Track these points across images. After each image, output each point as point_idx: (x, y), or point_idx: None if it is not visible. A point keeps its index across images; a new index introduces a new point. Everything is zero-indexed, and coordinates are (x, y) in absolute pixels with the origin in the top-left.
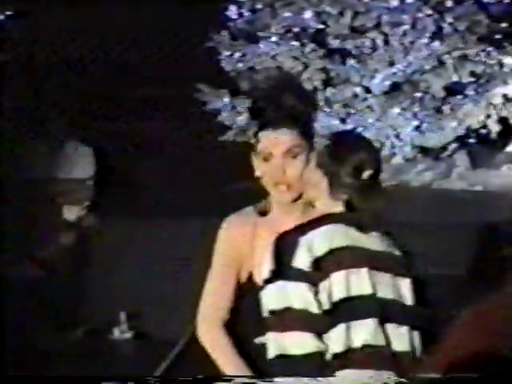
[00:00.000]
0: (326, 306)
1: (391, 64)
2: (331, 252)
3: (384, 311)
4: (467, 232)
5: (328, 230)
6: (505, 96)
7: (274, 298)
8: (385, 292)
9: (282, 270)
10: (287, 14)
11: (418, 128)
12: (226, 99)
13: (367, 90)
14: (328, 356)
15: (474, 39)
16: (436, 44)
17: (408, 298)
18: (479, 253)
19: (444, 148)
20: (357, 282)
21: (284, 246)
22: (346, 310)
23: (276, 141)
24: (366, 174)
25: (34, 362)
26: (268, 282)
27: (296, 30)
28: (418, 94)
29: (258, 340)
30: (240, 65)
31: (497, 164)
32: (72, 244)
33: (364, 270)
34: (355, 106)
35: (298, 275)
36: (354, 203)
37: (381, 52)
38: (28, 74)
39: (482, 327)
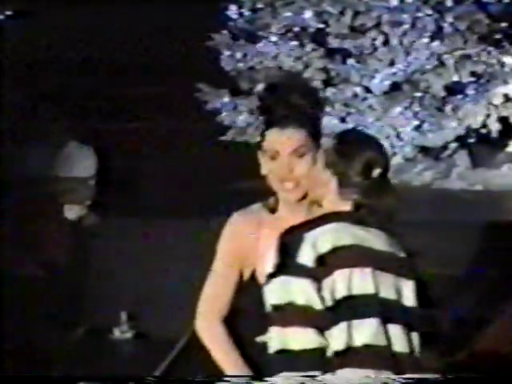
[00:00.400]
0: (329, 303)
1: (391, 64)
2: (335, 250)
3: (385, 311)
4: (467, 232)
5: (333, 228)
6: (505, 96)
7: (277, 292)
8: (387, 292)
9: (286, 265)
10: (287, 14)
11: (418, 128)
12: (226, 99)
13: (367, 90)
14: (329, 353)
15: (475, 39)
16: (436, 44)
17: (410, 299)
18: (479, 252)
19: (444, 148)
20: (360, 281)
21: (289, 241)
22: (348, 308)
23: (283, 140)
24: (376, 172)
25: (33, 362)
26: (271, 276)
27: (296, 29)
28: (418, 94)
29: (259, 339)
30: (240, 64)
31: (497, 164)
32: (73, 243)
33: (368, 270)
34: (355, 105)
35: (302, 271)
36: (364, 202)
37: (381, 52)
38: (28, 73)
39: None
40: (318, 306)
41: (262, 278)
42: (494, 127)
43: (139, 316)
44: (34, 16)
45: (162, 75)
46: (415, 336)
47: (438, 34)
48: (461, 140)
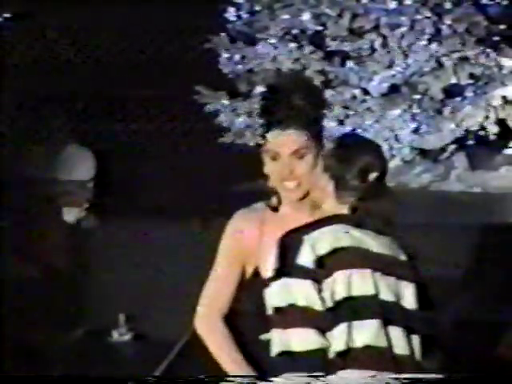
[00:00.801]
0: (329, 304)
1: (390, 66)
2: (334, 251)
3: (386, 313)
4: (466, 234)
5: (332, 230)
6: (504, 98)
7: (277, 295)
8: (387, 295)
9: (286, 267)
10: (286, 16)
11: (416, 130)
12: (225, 101)
13: (366, 92)
14: (330, 354)
15: (473, 41)
16: (434, 46)
17: (411, 302)
18: (478, 255)
19: (443, 150)
20: (360, 282)
21: (288, 244)
22: (349, 309)
23: (283, 142)
24: (372, 176)
25: (32, 363)
26: (272, 279)
27: (294, 31)
28: (417, 96)
29: (263, 337)
30: (239, 67)
31: (495, 166)
32: (71, 246)
33: (367, 271)
34: (354, 107)
35: (302, 272)
36: (361, 206)
37: (379, 54)
38: (28, 74)
39: None
40: (319, 307)
41: (265, 274)
42: (493, 129)
43: (138, 318)
44: (33, 18)
45: (160, 77)
46: (416, 338)
47: (436, 37)
48: (459, 142)
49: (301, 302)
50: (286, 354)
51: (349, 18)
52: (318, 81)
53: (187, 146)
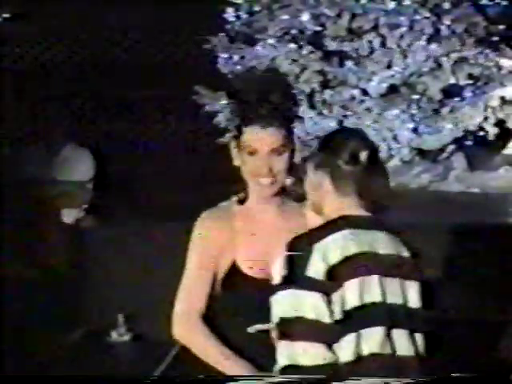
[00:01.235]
0: (338, 316)
1: (389, 66)
2: (346, 259)
3: (391, 318)
4: (465, 234)
5: (341, 237)
6: (502, 98)
7: (285, 306)
8: (393, 298)
9: (295, 277)
10: (284, 17)
11: (415, 130)
12: (224, 101)
13: (365, 92)
14: (338, 366)
15: (472, 41)
16: (433, 46)
17: (415, 301)
18: (477, 255)
19: (441, 150)
20: (368, 289)
21: (297, 251)
22: (357, 318)
23: (263, 139)
24: (363, 156)
25: (31, 364)
26: (279, 288)
27: (293, 32)
28: (416, 97)
29: (250, 329)
30: (238, 67)
31: (494, 166)
32: (70, 246)
33: (375, 277)
34: (353, 108)
35: (312, 284)
36: (360, 191)
37: (378, 54)
38: (26, 76)
39: None
40: (328, 319)
41: (244, 266)
42: (491, 130)
43: (137, 318)
44: (32, 18)
45: (159, 78)
46: (419, 337)
47: (435, 37)
48: (458, 142)
49: (310, 315)
50: (293, 368)
51: (348, 18)
52: (316, 81)
53: (186, 146)
